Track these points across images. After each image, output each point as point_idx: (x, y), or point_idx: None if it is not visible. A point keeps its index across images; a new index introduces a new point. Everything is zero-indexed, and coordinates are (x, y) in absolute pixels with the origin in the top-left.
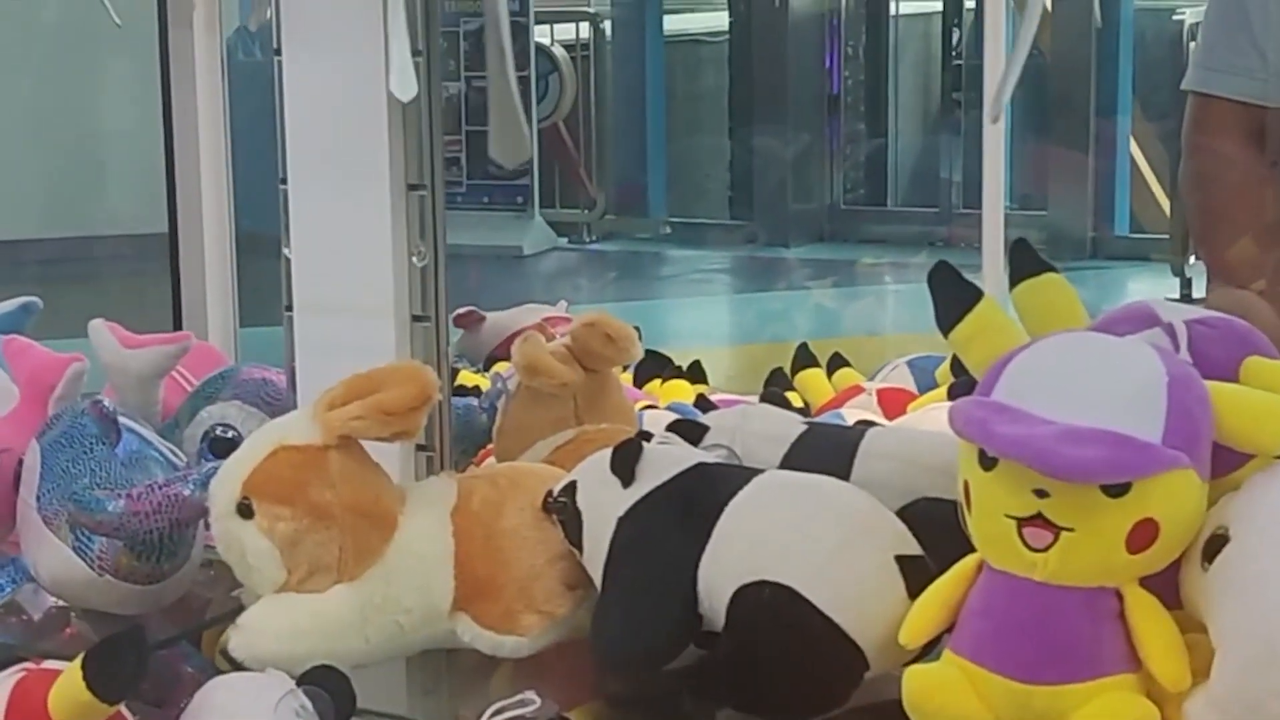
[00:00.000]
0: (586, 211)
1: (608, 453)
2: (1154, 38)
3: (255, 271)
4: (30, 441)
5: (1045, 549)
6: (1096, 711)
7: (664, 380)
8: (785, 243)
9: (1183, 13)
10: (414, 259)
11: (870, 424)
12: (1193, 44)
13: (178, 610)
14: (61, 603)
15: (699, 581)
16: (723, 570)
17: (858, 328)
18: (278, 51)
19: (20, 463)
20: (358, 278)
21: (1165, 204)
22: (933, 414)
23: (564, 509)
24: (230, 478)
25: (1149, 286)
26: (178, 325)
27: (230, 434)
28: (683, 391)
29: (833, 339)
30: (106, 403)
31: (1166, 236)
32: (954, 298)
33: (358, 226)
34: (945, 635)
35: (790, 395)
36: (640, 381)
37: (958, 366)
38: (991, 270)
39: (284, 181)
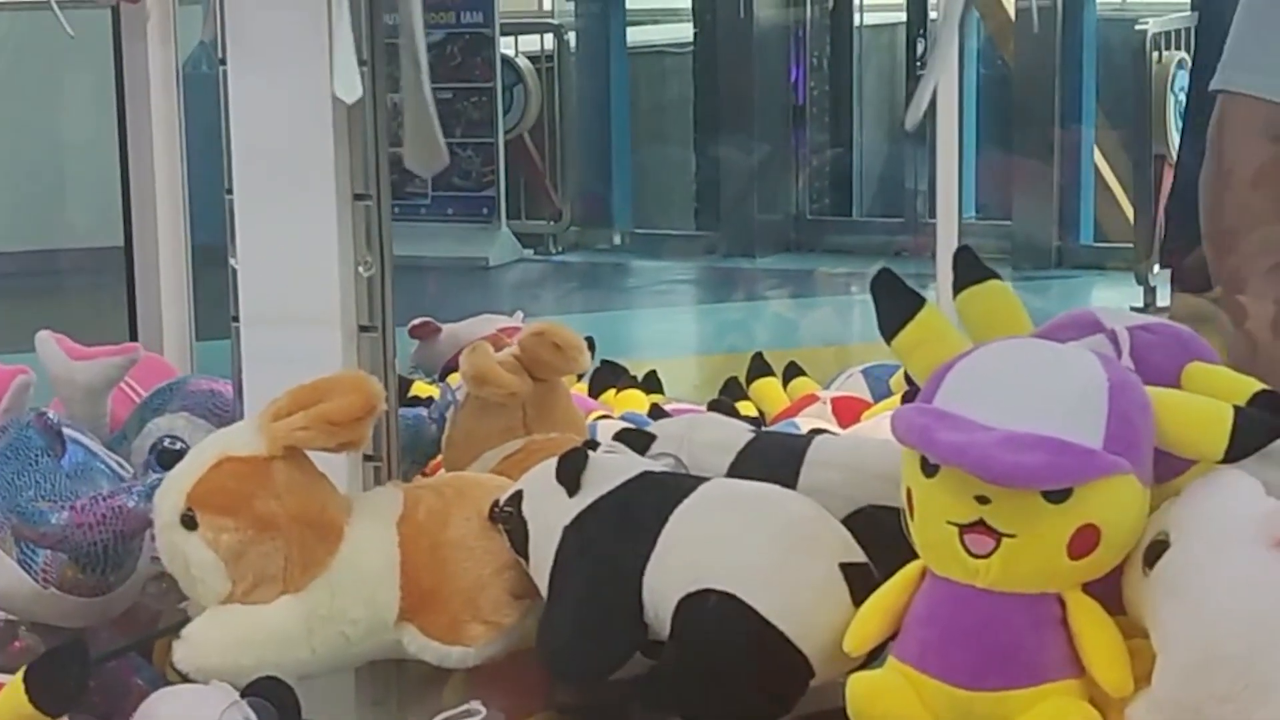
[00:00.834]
0: (552, 223)
1: (554, 462)
2: (1117, 47)
3: (216, 284)
4: None
5: (987, 555)
6: (1039, 717)
7: (619, 390)
8: (751, 253)
9: (1146, 22)
10: (360, 269)
11: (821, 432)
12: (1155, 54)
13: (127, 622)
14: (10, 616)
15: (644, 590)
16: (668, 578)
17: (820, 337)
18: (223, 61)
19: None
20: (304, 288)
21: (1130, 213)
22: (884, 423)
23: (510, 518)
24: (174, 489)
25: (1114, 295)
26: (133, 338)
27: (178, 445)
28: (637, 401)
29: (795, 349)
30: (51, 415)
31: (1131, 245)
32: (897, 305)
33: (304, 237)
34: (890, 642)
35: (744, 404)
36: (595, 391)
37: None
38: (946, 279)
39: (229, 192)
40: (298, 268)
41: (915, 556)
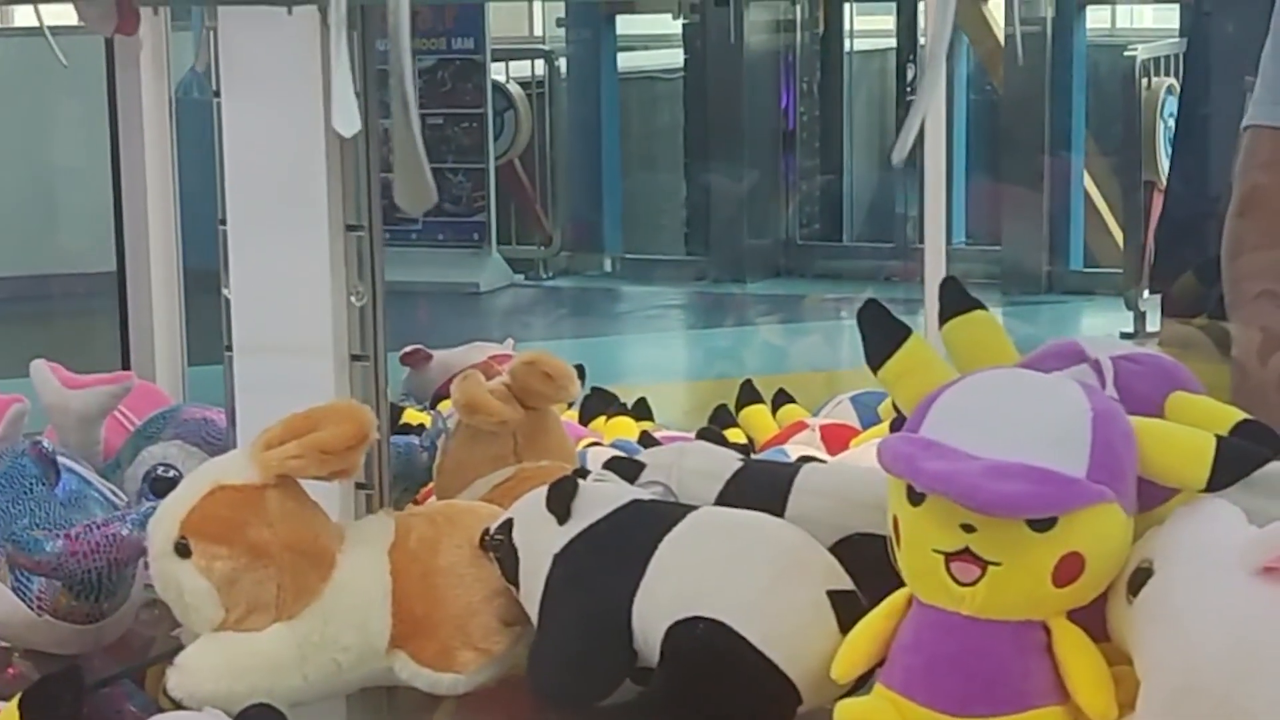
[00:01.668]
0: (543, 248)
1: (544, 490)
2: (1107, 73)
3: (210, 310)
4: None
5: (973, 583)
6: None
7: (609, 417)
8: (741, 278)
9: (1135, 48)
10: (353, 299)
11: (811, 459)
12: (1145, 80)
13: (120, 649)
14: (4, 643)
15: (634, 618)
16: (657, 606)
17: (810, 363)
18: (217, 93)
19: None
20: (296, 318)
21: (1119, 238)
22: (872, 451)
23: (500, 546)
24: (167, 517)
25: (1103, 320)
26: (125, 364)
27: (172, 474)
28: (628, 429)
29: (785, 374)
30: (45, 443)
31: (1120, 271)
32: (883, 335)
33: (296, 267)
34: (877, 669)
35: (733, 432)
36: (586, 419)
37: None
38: (934, 306)
39: (223, 222)
40: (291, 298)
41: (902, 584)
